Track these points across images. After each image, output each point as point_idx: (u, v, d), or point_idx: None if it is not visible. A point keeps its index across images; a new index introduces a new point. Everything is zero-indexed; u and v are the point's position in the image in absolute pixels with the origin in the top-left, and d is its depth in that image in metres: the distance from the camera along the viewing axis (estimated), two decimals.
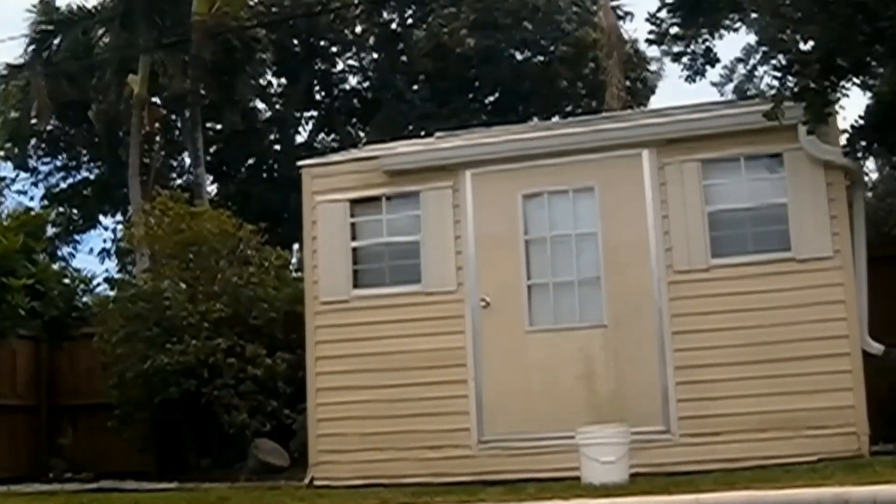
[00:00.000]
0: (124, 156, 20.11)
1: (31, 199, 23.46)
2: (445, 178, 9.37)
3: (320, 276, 9.60)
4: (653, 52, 19.68)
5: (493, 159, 9.30)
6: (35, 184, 23.71)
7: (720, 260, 8.64)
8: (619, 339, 8.74)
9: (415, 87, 22.50)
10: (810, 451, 7.97)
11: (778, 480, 6.44)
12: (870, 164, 13.16)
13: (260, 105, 24.10)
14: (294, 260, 13.80)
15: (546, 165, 9.18)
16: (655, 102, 23.16)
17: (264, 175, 23.58)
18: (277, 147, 23.93)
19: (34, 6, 19.45)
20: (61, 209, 23.46)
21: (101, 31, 19.43)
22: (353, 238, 9.60)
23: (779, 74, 8.36)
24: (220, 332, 11.35)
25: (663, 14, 9.06)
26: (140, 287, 12.43)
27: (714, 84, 9.15)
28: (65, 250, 23.69)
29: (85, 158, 23.65)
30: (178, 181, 23.06)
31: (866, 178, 12.56)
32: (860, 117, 8.51)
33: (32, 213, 14.19)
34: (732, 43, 9.11)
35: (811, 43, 8.23)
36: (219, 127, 22.51)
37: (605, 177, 9.02)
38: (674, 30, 9.08)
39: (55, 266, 15.83)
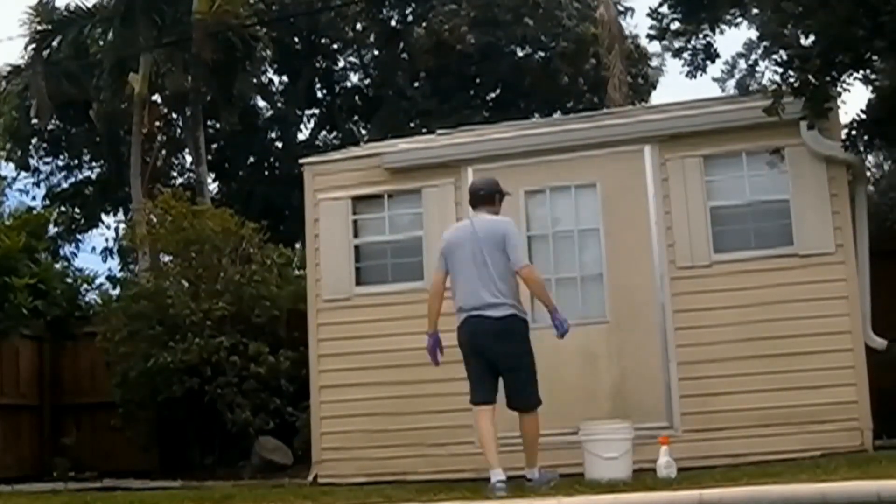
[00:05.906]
0: (126, 155, 20.10)
1: (33, 198, 23.57)
2: (447, 174, 9.37)
3: (322, 273, 9.61)
4: (653, 47, 19.78)
5: (495, 156, 9.28)
6: (36, 183, 23.78)
7: (722, 255, 8.64)
8: (621, 336, 8.74)
9: (416, 84, 22.50)
10: (813, 446, 7.97)
11: (781, 476, 6.44)
12: (872, 158, 13.16)
13: (261, 103, 24.14)
14: (296, 258, 13.77)
15: (548, 162, 9.18)
16: (656, 98, 23.22)
17: (266, 173, 23.61)
18: (279, 145, 23.96)
19: (33, 7, 19.42)
20: (63, 208, 23.46)
21: (100, 30, 19.38)
22: (356, 235, 9.61)
23: (780, 69, 8.35)
24: (223, 330, 11.37)
25: (664, 9, 9.03)
26: (142, 286, 12.45)
27: (715, 79, 9.11)
28: (67, 249, 23.73)
29: (86, 158, 23.63)
30: (180, 180, 23.08)
31: (868, 173, 12.53)
32: (861, 112, 8.51)
33: (34, 212, 14.22)
34: (734, 38, 9.10)
35: (812, 38, 8.22)
36: (220, 125, 22.50)
37: (606, 173, 9.01)
38: (674, 25, 9.04)
39: (57, 265, 15.83)
